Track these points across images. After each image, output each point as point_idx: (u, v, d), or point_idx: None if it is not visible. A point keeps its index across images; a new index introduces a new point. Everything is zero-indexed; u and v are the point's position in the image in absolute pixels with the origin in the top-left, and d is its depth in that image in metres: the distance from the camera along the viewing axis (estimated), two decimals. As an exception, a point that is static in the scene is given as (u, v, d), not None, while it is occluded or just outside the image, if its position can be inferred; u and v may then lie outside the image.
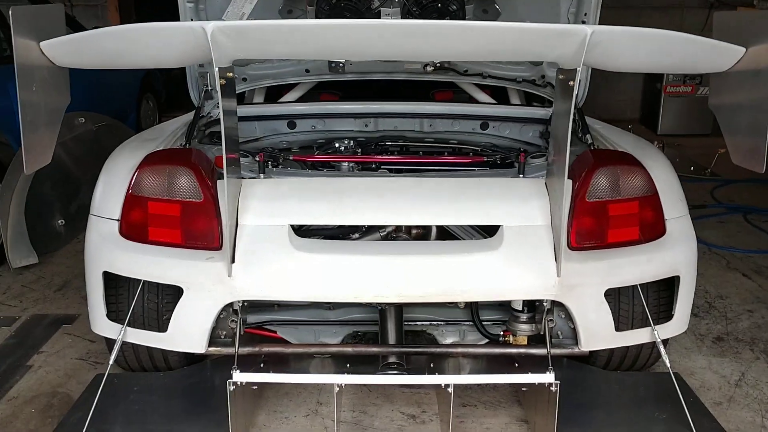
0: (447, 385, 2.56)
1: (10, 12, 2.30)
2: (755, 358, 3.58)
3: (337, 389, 2.58)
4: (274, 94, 4.13)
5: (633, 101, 9.47)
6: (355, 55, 2.92)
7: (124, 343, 2.87)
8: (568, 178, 2.72)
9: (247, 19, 3.38)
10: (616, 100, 9.38)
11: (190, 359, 3.18)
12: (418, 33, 2.30)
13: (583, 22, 3.53)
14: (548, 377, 2.56)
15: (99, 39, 2.45)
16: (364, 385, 3.25)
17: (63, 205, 4.84)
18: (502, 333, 3.05)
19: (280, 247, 2.68)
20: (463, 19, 3.53)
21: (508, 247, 2.69)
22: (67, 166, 4.79)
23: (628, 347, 3.06)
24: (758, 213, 5.77)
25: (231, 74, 2.54)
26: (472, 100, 4.06)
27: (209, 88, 3.70)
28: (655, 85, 8.64)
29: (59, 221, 4.82)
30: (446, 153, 3.60)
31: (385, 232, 3.03)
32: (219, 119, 3.38)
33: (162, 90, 8.14)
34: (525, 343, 2.97)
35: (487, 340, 3.10)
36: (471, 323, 3.11)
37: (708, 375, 3.43)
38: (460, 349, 2.96)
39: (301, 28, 2.44)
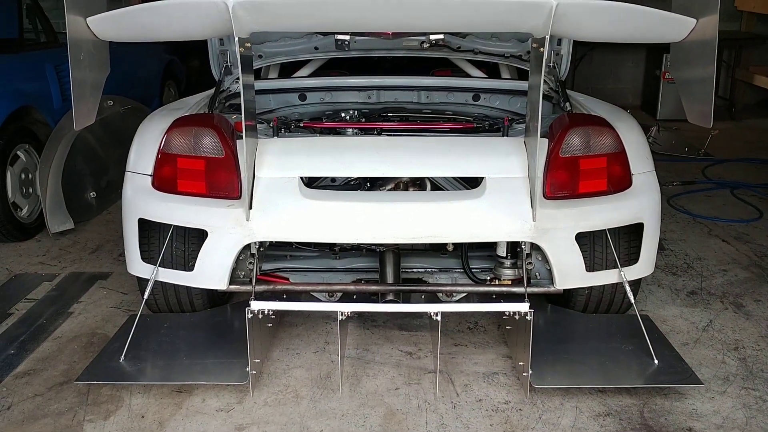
0: (436, 314, 2.91)
1: None
2: (724, 308, 3.89)
3: (341, 317, 2.93)
4: (286, 75, 4.49)
5: (635, 89, 9.74)
6: (355, 26, 3.27)
7: (153, 287, 3.23)
8: (547, 138, 3.09)
9: None
10: (620, 88, 9.70)
11: (212, 303, 3.57)
12: (407, 4, 2.65)
13: None
14: (524, 306, 2.91)
15: (136, 14, 2.80)
16: (366, 327, 3.62)
17: (94, 180, 5.23)
18: (488, 279, 3.40)
19: (291, 196, 3.02)
20: None
21: (490, 196, 3.02)
22: (97, 144, 5.18)
23: (602, 293, 3.40)
24: (745, 188, 6.00)
25: (249, 44, 2.93)
26: (466, 75, 4.40)
27: (229, 64, 4.08)
28: (655, 73, 8.89)
29: (91, 194, 5.21)
30: (441, 122, 3.88)
31: (385, 190, 3.36)
32: (237, 93, 3.73)
33: (183, 79, 8.59)
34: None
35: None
36: (462, 271, 3.44)
37: (679, 321, 3.73)
38: (449, 288, 3.30)
39: (309, 1, 2.74)
